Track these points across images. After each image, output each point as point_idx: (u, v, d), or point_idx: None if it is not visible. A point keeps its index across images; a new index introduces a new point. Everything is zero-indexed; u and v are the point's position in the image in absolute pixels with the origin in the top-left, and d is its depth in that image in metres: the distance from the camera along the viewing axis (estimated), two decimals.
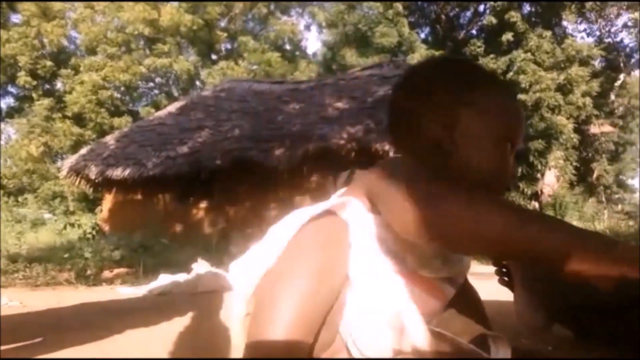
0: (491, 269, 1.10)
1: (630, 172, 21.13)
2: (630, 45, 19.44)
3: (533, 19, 18.68)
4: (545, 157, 15.63)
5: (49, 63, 19.59)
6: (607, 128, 18.09)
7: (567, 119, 16.15)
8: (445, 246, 0.71)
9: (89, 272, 5.47)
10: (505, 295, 1.14)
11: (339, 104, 9.44)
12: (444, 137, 0.80)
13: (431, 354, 0.74)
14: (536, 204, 15.70)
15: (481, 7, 21.16)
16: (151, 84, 23.02)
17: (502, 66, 17.18)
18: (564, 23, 18.91)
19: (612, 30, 19.39)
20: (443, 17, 22.60)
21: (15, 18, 19.86)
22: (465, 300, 0.91)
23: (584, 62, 17.41)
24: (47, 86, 20.88)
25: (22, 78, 19.19)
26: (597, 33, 19.53)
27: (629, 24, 18.28)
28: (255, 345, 0.71)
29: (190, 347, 1.95)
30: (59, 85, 20.71)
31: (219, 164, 8.32)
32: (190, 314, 2.69)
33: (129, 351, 1.80)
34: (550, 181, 15.97)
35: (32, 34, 18.94)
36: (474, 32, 21.82)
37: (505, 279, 1.09)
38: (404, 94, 0.88)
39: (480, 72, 0.88)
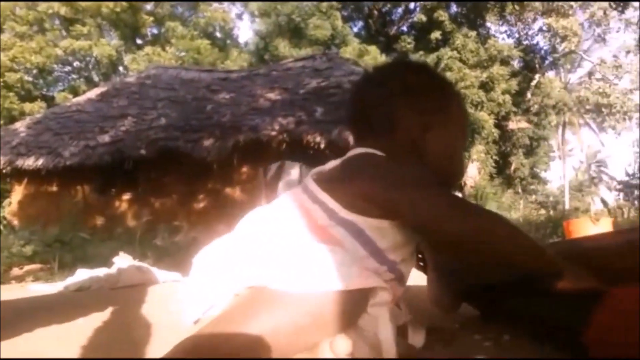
0: None
1: (543, 165, 22.84)
2: (545, 48, 20.98)
3: (459, 19, 19.58)
4: (468, 150, 16.49)
5: None
6: (524, 124, 19.42)
7: (489, 115, 17.15)
8: (429, 231, 0.80)
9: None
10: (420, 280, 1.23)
11: (271, 95, 9.33)
12: (419, 137, 0.89)
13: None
14: (460, 195, 16.54)
15: (412, 5, 21.86)
16: (68, 68, 21.45)
17: (430, 63, 17.85)
18: (487, 24, 20.00)
19: (530, 33, 20.81)
20: (376, 12, 23.07)
21: None
22: None
23: (505, 62, 18.54)
24: None
25: None
26: (516, 35, 20.87)
27: (544, 28, 19.68)
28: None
29: (107, 341, 1.81)
30: None
31: (144, 154, 7.95)
32: (110, 309, 2.52)
33: (37, 350, 1.63)
34: (473, 173, 16.90)
35: None
36: (404, 28, 22.50)
37: (421, 264, 1.16)
38: (384, 95, 0.93)
39: (448, 82, 1.03)
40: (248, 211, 0.88)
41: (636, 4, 15.62)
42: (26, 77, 18.38)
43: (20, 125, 9.70)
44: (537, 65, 20.68)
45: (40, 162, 8.23)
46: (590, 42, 21.44)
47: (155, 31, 22.98)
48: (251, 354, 0.65)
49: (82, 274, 3.89)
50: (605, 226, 5.19)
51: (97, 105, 9.99)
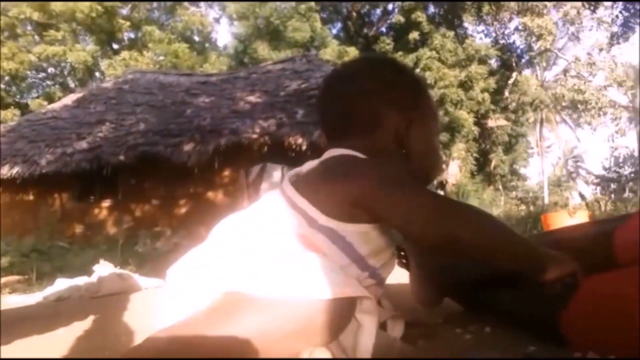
0: None
1: (522, 162, 23.23)
2: (521, 47, 21.35)
3: (437, 20, 19.81)
4: (449, 148, 16.67)
5: None
6: (502, 122, 19.73)
7: (468, 113, 17.37)
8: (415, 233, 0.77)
9: None
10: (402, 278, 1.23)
11: (251, 98, 9.30)
12: (403, 135, 0.89)
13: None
14: (442, 192, 16.72)
15: (390, 6, 22.03)
16: (43, 74, 21.00)
17: (409, 63, 18.01)
18: (465, 24, 20.27)
19: (506, 32, 21.15)
20: (354, 14, 23.18)
21: None
22: None
23: (483, 61, 18.81)
24: None
25: None
26: (493, 34, 21.19)
27: (520, 27, 20.02)
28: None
29: (89, 350, 1.78)
30: None
31: (123, 160, 7.84)
32: (91, 318, 2.47)
33: None
34: (454, 171, 17.08)
35: None
36: (383, 29, 22.64)
37: (404, 261, 1.17)
38: (361, 92, 0.91)
39: (419, 76, 1.03)
40: (230, 214, 0.86)
41: (607, 3, 16.02)
42: None
43: None
44: (514, 64, 21.03)
45: (15, 170, 8.05)
46: (564, 41, 21.91)
47: (132, 35, 22.65)
48: (224, 356, 0.62)
49: (61, 284, 3.81)
50: (581, 219, 5.30)
51: (73, 111, 9.82)
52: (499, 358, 0.85)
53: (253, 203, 0.90)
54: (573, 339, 0.85)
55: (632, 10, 14.14)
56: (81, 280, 3.86)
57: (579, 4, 18.14)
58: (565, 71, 21.84)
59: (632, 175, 21.86)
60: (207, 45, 23.93)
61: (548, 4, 19.06)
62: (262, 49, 20.02)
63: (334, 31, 23.46)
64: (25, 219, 8.33)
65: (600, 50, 19.42)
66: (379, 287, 0.86)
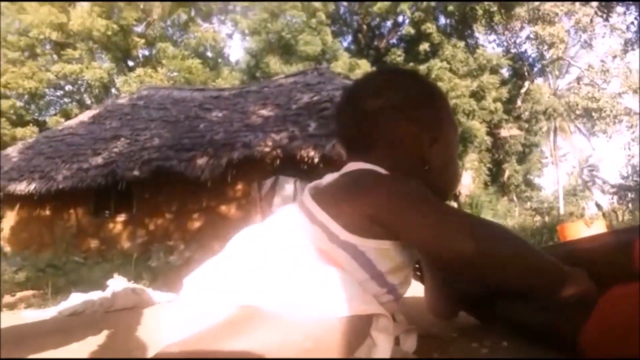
0: None
1: (537, 172, 22.99)
2: (533, 55, 21.28)
3: (448, 30, 19.85)
4: (461, 159, 16.57)
5: None
6: (515, 131, 19.58)
7: (481, 123, 17.29)
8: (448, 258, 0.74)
9: None
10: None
11: (263, 111, 9.36)
12: (427, 151, 0.87)
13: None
14: (455, 204, 16.57)
15: (400, 18, 22.14)
16: (60, 92, 21.49)
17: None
18: (476, 34, 20.29)
19: (517, 41, 21.11)
20: (365, 26, 23.34)
21: None
22: None
23: (494, 71, 18.77)
24: None
25: None
26: (505, 44, 21.16)
27: (531, 36, 19.97)
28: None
29: None
30: None
31: (137, 175, 7.92)
32: (105, 332, 2.47)
33: None
34: (467, 182, 16.94)
35: None
36: (394, 41, 22.75)
37: (418, 273, 1.15)
38: (385, 107, 0.89)
39: (440, 89, 1.00)
40: (243, 228, 0.85)
41: (620, 9, 15.90)
42: (18, 103, 18.39)
43: (12, 151, 9.68)
44: (526, 73, 20.94)
45: (32, 186, 8.19)
46: (577, 48, 21.79)
47: (146, 53, 23.13)
48: None
49: (76, 298, 3.82)
50: (598, 229, 5.20)
51: (89, 127, 9.99)
52: None
53: (267, 216, 0.89)
54: (592, 353, 0.82)
55: None
56: (95, 295, 3.88)
57: (591, 11, 18.03)
58: (578, 79, 21.67)
59: None
60: (219, 60, 24.29)
61: (559, 12, 18.99)
62: (274, 63, 20.24)
63: (345, 44, 23.67)
64: (41, 234, 8.46)
65: (614, 57, 19.25)
66: (395, 304, 0.85)
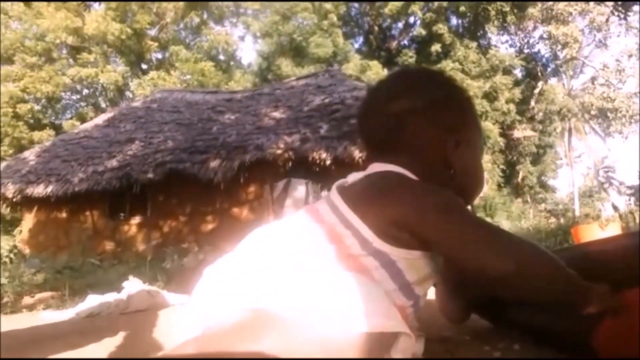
0: None
1: (551, 173, 22.72)
2: (546, 55, 21.05)
3: (460, 31, 19.73)
4: None
5: None
6: (529, 132, 19.38)
7: (494, 124, 17.14)
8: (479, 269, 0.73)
9: (5, 299, 5.00)
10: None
11: (275, 114, 9.40)
12: (451, 155, 0.86)
13: None
14: (469, 206, 16.44)
15: (411, 19, 22.07)
16: (76, 96, 21.81)
17: None
18: (488, 34, 20.13)
19: (530, 41, 20.91)
20: (376, 28, 23.30)
21: None
22: None
23: (507, 71, 18.60)
24: None
25: None
26: (517, 44, 20.98)
27: (544, 36, 19.76)
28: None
29: None
30: None
31: (152, 178, 8.00)
32: (120, 334, 2.52)
33: None
34: None
35: None
36: (405, 42, 22.68)
37: None
38: (411, 109, 0.87)
39: (465, 90, 0.98)
40: (264, 225, 0.84)
41: (636, 7, 15.66)
42: (36, 107, 18.70)
43: (29, 154, 9.83)
44: (539, 73, 20.72)
45: (49, 189, 8.31)
46: (591, 48, 21.50)
47: (159, 56, 23.38)
48: None
49: (92, 300, 3.88)
50: (613, 231, 5.13)
51: (104, 130, 10.12)
52: None
53: (278, 218, 0.89)
54: (605, 356, 0.83)
55: None
56: (111, 297, 3.93)
57: (606, 10, 17.79)
58: (593, 79, 21.37)
59: None
60: (232, 63, 24.44)
61: (573, 11, 18.77)
62: (286, 66, 20.31)
63: (356, 46, 23.67)
64: (59, 236, 8.58)
65: (630, 56, 18.96)
66: (414, 316, 0.84)
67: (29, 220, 9.49)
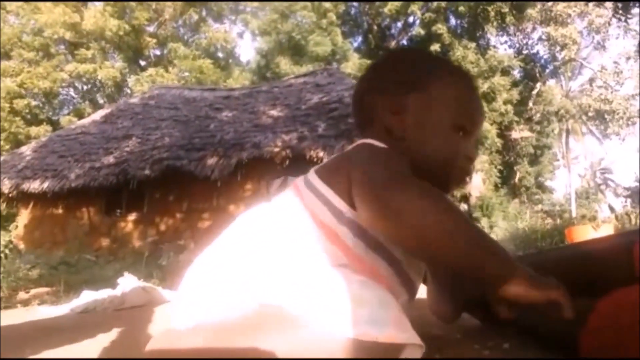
0: None
1: (548, 174, 22.79)
2: (545, 57, 21.09)
3: (459, 32, 19.74)
4: None
5: None
6: (527, 133, 19.42)
7: (491, 125, 17.16)
8: (397, 241, 0.70)
9: (0, 294, 4.99)
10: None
11: (273, 112, 9.40)
12: (393, 123, 0.80)
13: None
14: (465, 206, 16.48)
15: (410, 19, 22.07)
16: (74, 92, 21.76)
17: None
18: (487, 35, 20.15)
19: (529, 42, 20.94)
20: (375, 27, 23.29)
21: None
22: None
23: (505, 72, 18.62)
24: None
25: None
26: (516, 45, 21.00)
27: (543, 37, 19.80)
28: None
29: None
30: None
31: (148, 174, 7.99)
32: (115, 330, 2.52)
33: None
34: (477, 184, 16.84)
35: None
36: (404, 42, 22.68)
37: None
38: (360, 85, 0.90)
39: (435, 60, 0.91)
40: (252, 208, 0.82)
41: (635, 10, 15.70)
42: (33, 102, 18.63)
43: (26, 149, 9.81)
44: (537, 74, 20.76)
45: (45, 185, 8.29)
46: (589, 50, 21.56)
47: (158, 52, 23.33)
48: None
49: (87, 296, 3.88)
50: (606, 232, 5.17)
51: (101, 127, 10.10)
52: None
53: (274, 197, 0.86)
54: (592, 356, 0.83)
55: None
56: (106, 293, 3.93)
57: (604, 12, 17.82)
58: (591, 80, 21.44)
59: None
60: (230, 60, 24.41)
61: (572, 13, 18.80)
62: (284, 64, 20.28)
63: (355, 45, 23.67)
64: (55, 232, 8.57)
65: (628, 58, 19.02)
66: (407, 293, 0.80)
67: (24, 215, 9.46)
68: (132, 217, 8.85)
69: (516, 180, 19.89)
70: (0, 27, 17.73)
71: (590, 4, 18.16)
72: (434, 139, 0.80)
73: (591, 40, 20.45)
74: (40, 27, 18.81)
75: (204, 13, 23.72)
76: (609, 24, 18.23)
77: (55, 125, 18.46)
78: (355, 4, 23.12)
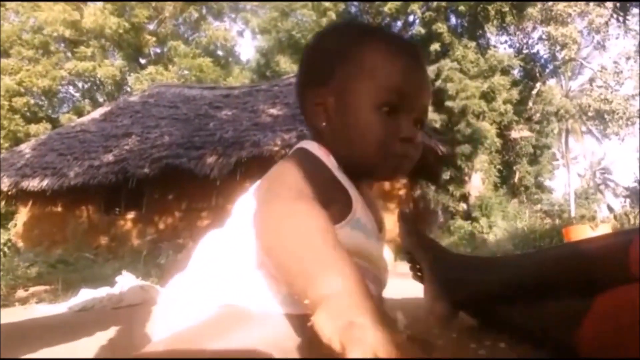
0: None
1: (548, 174, 22.76)
2: (545, 56, 21.07)
3: (459, 31, 19.73)
4: (471, 160, 16.47)
5: None
6: (526, 133, 19.41)
7: (491, 124, 17.15)
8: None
9: None
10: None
11: (273, 110, 9.40)
12: (315, 115, 0.73)
13: None
14: (465, 206, 16.49)
15: (410, 18, 22.05)
16: (73, 90, 21.76)
17: (430, 75, 17.95)
18: (487, 35, 20.13)
19: (529, 42, 20.92)
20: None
21: None
22: None
23: (505, 72, 18.60)
24: None
25: None
26: (517, 44, 20.98)
27: (544, 36, 19.79)
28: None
29: (113, 357, 1.81)
30: None
31: (148, 173, 8.00)
32: (113, 328, 2.52)
33: None
34: (477, 183, 16.86)
35: None
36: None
37: (418, 274, 1.16)
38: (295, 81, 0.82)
39: (369, 29, 0.80)
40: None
41: (635, 10, 15.70)
42: (32, 101, 18.61)
43: (25, 147, 9.81)
44: (537, 74, 20.74)
45: (45, 182, 8.29)
46: (590, 49, 21.54)
47: (157, 51, 23.30)
48: None
49: (85, 294, 3.88)
50: (604, 232, 5.17)
51: (100, 125, 10.09)
52: None
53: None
54: (588, 354, 0.83)
55: None
56: (104, 291, 3.93)
57: (605, 12, 17.82)
58: (591, 80, 21.44)
59: None
60: (230, 59, 24.39)
61: (572, 12, 18.81)
62: (284, 62, 20.26)
63: None
64: (53, 231, 8.57)
65: (628, 58, 19.01)
66: (380, 292, 0.77)
67: (23, 213, 9.47)
68: (131, 215, 8.86)
69: (515, 180, 19.89)
70: (0, 25, 17.71)
71: (591, 4, 18.16)
72: (355, 122, 0.69)
73: (591, 40, 20.46)
74: (40, 24, 18.79)
75: (204, 11, 23.70)
76: (607, 24, 18.24)
77: (54, 123, 18.45)
78: (355, 2, 23.11)
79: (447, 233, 13.19)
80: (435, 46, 18.64)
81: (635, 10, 15.68)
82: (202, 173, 7.82)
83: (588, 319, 0.82)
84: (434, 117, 16.39)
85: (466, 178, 16.86)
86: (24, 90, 17.85)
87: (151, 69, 20.30)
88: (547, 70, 21.29)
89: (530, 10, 18.78)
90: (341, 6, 21.45)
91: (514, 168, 19.80)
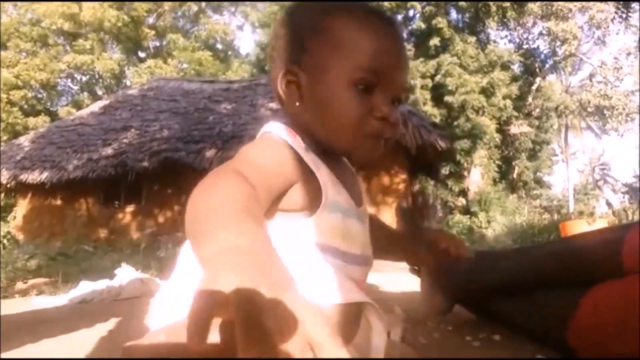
0: None
1: (547, 169, 22.77)
2: (545, 51, 21.02)
3: (459, 25, 19.66)
4: (470, 155, 16.47)
5: None
6: (526, 128, 19.39)
7: (490, 119, 17.13)
8: None
9: None
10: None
11: (272, 105, 9.38)
12: (292, 74, 0.70)
13: None
14: (464, 201, 16.51)
15: (411, 12, 21.97)
16: (72, 83, 21.68)
17: (430, 69, 17.92)
18: (488, 30, 20.06)
19: (529, 37, 20.86)
20: None
21: None
22: None
23: (505, 67, 18.56)
24: None
25: None
26: (517, 40, 20.92)
27: (544, 32, 19.74)
28: None
29: (109, 349, 1.83)
30: None
31: (147, 166, 8.00)
32: (112, 320, 2.54)
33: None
34: (476, 178, 16.87)
35: None
36: (404, 35, 22.59)
37: (415, 268, 1.17)
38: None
39: (343, 3, 0.75)
40: None
41: (636, 6, 15.65)
42: (30, 94, 18.54)
43: (24, 140, 9.79)
44: (537, 69, 20.69)
45: (44, 175, 8.29)
46: (590, 45, 21.48)
47: (157, 44, 23.19)
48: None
49: (85, 287, 3.90)
50: (600, 227, 5.20)
51: (99, 118, 10.07)
52: None
53: None
54: (581, 348, 0.85)
55: None
56: (104, 284, 3.95)
57: (605, 7, 17.77)
58: (591, 76, 21.40)
59: None
60: (229, 52, 24.30)
61: (573, 7, 18.75)
62: None
63: None
64: (53, 223, 8.58)
65: (628, 54, 18.98)
66: (367, 272, 0.75)
67: (23, 206, 9.47)
68: (130, 208, 8.86)
69: (514, 175, 19.90)
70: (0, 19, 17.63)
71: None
72: (329, 101, 0.67)
73: (591, 36, 20.41)
74: (38, 17, 18.70)
75: (203, 4, 23.59)
76: (613, 20, 18.17)
77: (53, 116, 18.40)
78: None
79: (445, 228, 13.22)
80: (435, 41, 18.57)
81: (636, 7, 15.63)
82: (201, 167, 7.82)
83: (580, 312, 0.83)
84: (434, 112, 16.37)
85: (465, 173, 16.87)
86: (22, 83, 17.77)
87: (150, 62, 20.22)
88: (547, 66, 21.24)
89: (530, 5, 18.72)
90: None
91: (513, 163, 19.80)
